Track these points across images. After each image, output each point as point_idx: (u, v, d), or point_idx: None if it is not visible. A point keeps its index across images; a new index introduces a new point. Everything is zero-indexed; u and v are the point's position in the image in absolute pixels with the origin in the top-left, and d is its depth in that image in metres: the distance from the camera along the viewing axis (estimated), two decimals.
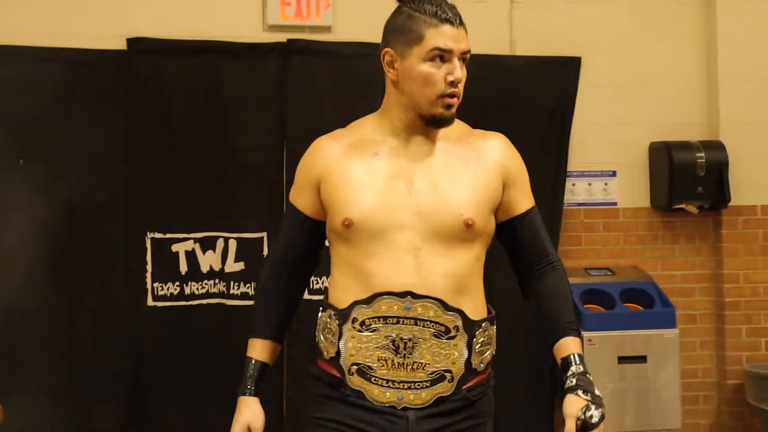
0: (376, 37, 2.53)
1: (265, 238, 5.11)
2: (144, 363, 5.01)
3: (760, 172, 5.71)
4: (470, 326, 2.43)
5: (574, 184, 5.64)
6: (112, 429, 4.98)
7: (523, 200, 2.55)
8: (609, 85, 5.66)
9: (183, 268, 5.05)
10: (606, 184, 5.70)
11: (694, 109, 5.76)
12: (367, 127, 2.54)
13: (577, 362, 2.44)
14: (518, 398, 5.28)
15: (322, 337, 2.50)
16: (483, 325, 2.46)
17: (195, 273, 5.07)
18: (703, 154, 5.56)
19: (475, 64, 2.68)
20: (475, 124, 2.61)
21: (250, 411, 2.53)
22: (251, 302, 3.18)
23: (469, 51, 2.45)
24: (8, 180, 4.86)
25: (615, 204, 5.72)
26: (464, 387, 2.44)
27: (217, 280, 5.09)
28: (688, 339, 5.60)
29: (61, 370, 4.93)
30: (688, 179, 5.53)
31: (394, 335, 2.39)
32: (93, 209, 4.96)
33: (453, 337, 2.41)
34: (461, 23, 2.44)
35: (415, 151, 2.48)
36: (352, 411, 2.43)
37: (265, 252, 5.10)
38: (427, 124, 2.47)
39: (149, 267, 5.01)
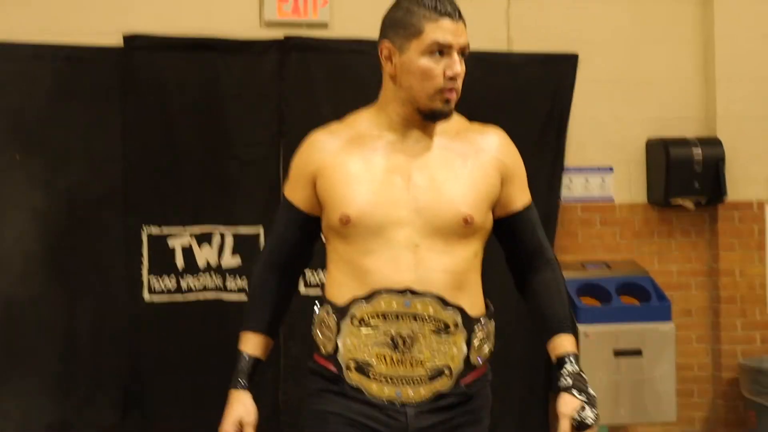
0: (374, 33, 2.52)
1: (262, 233, 5.12)
2: (141, 357, 5.02)
3: (756, 167, 5.73)
4: (469, 322, 2.42)
5: (571, 180, 5.65)
6: (110, 422, 4.99)
7: (521, 196, 2.54)
8: (606, 81, 5.67)
9: (179, 262, 5.07)
10: (603, 179, 5.72)
11: (691, 105, 5.77)
12: (363, 121, 2.51)
13: (572, 361, 2.45)
14: (515, 393, 5.30)
15: (319, 333, 2.48)
16: (482, 320, 2.46)
17: (191, 267, 5.08)
18: (699, 150, 5.57)
19: (473, 60, 2.67)
20: (472, 121, 2.60)
21: (242, 405, 2.50)
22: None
23: (468, 45, 2.43)
24: (6, 175, 4.87)
25: (612, 199, 5.74)
26: (462, 382, 2.43)
27: (213, 275, 5.10)
28: (684, 333, 5.62)
29: (59, 364, 4.93)
30: (685, 175, 5.55)
31: (393, 332, 2.38)
32: (90, 204, 4.98)
33: (452, 334, 2.40)
34: (460, 17, 2.42)
35: (413, 147, 2.46)
36: (352, 405, 2.42)
37: (262, 247, 5.10)
38: (425, 118, 2.44)
39: (145, 261, 5.02)
